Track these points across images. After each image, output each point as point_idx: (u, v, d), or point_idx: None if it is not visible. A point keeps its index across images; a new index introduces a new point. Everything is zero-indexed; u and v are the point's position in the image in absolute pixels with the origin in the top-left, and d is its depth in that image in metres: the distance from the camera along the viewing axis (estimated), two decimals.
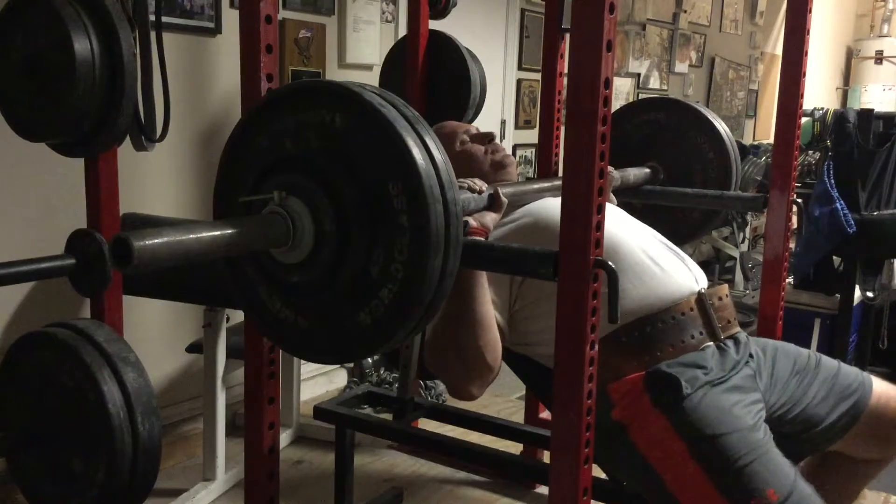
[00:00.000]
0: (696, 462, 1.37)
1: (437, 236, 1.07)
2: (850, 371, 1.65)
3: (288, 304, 1.24)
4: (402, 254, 1.09)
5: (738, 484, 1.35)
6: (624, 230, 1.60)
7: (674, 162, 2.28)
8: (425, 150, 1.08)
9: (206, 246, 1.05)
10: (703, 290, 1.54)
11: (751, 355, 1.56)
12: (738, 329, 1.58)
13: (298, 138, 1.17)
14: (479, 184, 1.53)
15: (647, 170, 2.25)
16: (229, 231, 1.07)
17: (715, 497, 1.36)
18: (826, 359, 1.66)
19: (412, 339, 2.06)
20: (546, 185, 1.72)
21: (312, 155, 1.15)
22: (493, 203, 1.52)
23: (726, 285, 1.64)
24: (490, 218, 1.51)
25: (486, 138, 1.81)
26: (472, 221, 1.47)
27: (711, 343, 1.51)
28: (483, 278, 1.49)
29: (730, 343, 1.53)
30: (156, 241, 0.97)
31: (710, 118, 2.29)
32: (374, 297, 1.12)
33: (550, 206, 1.58)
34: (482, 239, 1.46)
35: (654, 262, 1.54)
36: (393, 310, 1.11)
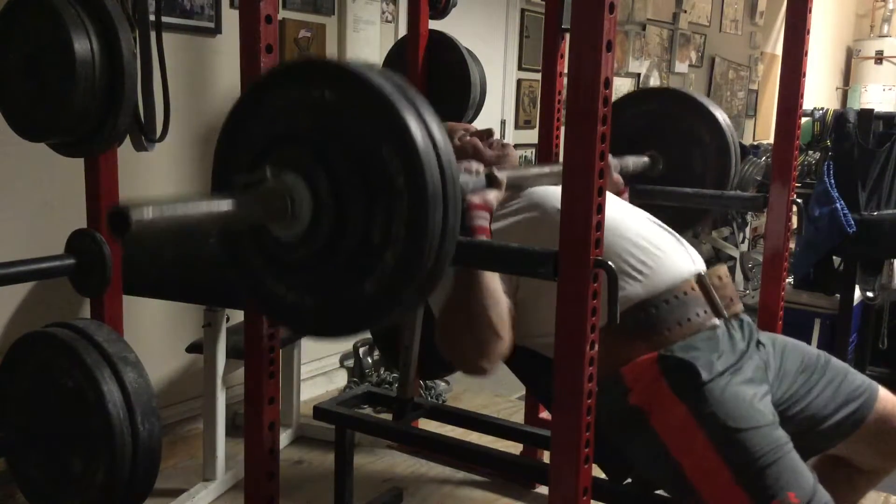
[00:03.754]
0: (718, 454, 1.37)
1: (435, 192, 1.07)
2: (858, 376, 1.65)
3: (292, 285, 1.23)
4: (402, 215, 1.09)
5: (761, 482, 1.35)
6: (622, 214, 1.60)
7: (673, 150, 2.27)
8: (415, 111, 1.08)
9: (203, 216, 1.06)
10: (702, 271, 1.56)
11: (760, 343, 1.56)
12: (741, 307, 1.58)
13: (290, 117, 1.17)
14: (475, 165, 1.53)
15: (646, 158, 2.24)
16: (226, 201, 1.08)
17: (737, 490, 1.36)
18: (836, 360, 1.66)
19: (412, 339, 2.06)
20: (546, 169, 1.72)
21: (305, 131, 1.15)
22: (491, 182, 1.53)
23: (724, 266, 1.65)
24: (493, 195, 1.51)
25: (485, 134, 1.82)
26: (474, 199, 1.47)
27: (718, 321, 1.51)
28: None
29: (735, 324, 1.54)
30: (153, 209, 0.98)
31: (707, 105, 2.27)
32: (379, 261, 1.12)
33: (555, 198, 1.58)
34: (486, 215, 1.47)
35: (654, 245, 1.56)
36: (398, 272, 1.11)
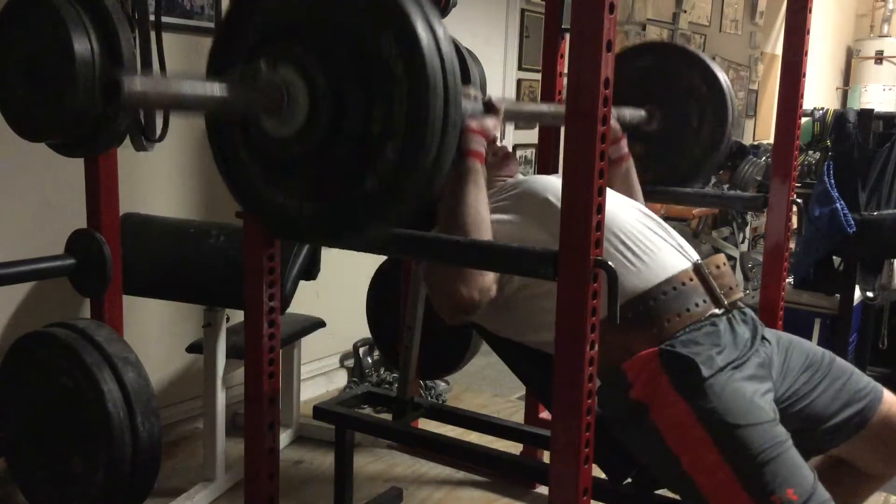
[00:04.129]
0: (717, 449, 1.37)
1: (435, 78, 1.06)
2: (863, 377, 1.64)
3: (290, 192, 1.22)
4: (402, 104, 1.07)
5: (760, 479, 1.35)
6: (615, 207, 1.61)
7: (671, 104, 2.23)
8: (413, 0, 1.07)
9: (196, 98, 1.05)
10: (698, 261, 1.56)
11: (765, 339, 1.56)
12: (741, 295, 1.58)
13: (283, 13, 1.17)
14: (473, 91, 1.53)
15: (643, 112, 2.21)
16: (221, 86, 1.08)
17: (736, 487, 1.35)
18: (841, 360, 1.65)
19: (412, 339, 2.06)
20: (544, 107, 1.71)
21: (299, 24, 1.14)
22: (489, 109, 1.52)
23: (722, 254, 1.65)
24: (491, 122, 1.51)
25: None
26: (471, 123, 1.47)
27: (719, 312, 1.51)
28: (479, 179, 1.48)
29: (738, 317, 1.54)
30: (145, 81, 0.98)
31: (706, 61, 2.25)
32: (379, 156, 1.10)
33: (547, 188, 1.59)
34: (483, 140, 1.47)
35: (648, 238, 1.56)
36: (400, 165, 1.09)
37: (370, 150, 1.10)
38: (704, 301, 1.51)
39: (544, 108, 1.70)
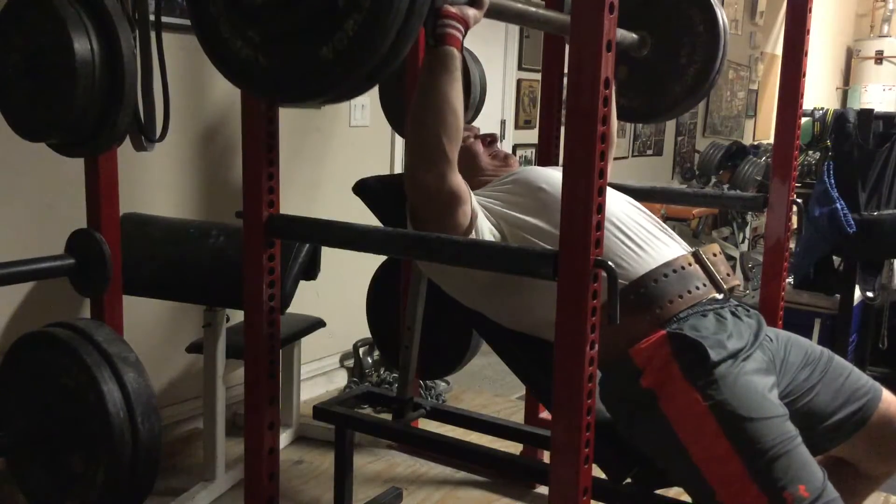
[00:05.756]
0: (729, 441, 1.36)
1: None
2: (862, 376, 1.64)
3: (249, 40, 1.23)
4: None
5: (772, 473, 1.34)
6: (614, 203, 1.62)
7: (665, 36, 2.19)
8: None
9: None
10: (696, 249, 1.59)
11: (767, 336, 1.56)
12: (738, 282, 1.61)
13: None
14: None
15: (636, 36, 2.16)
16: None
17: (746, 480, 1.35)
18: (839, 359, 1.66)
19: (412, 339, 2.06)
20: (532, 10, 1.68)
21: None
22: (474, 1, 1.46)
23: (716, 244, 1.67)
24: (472, 12, 1.45)
25: (488, 139, 1.83)
26: (450, 7, 1.41)
27: (719, 296, 1.53)
28: (452, 67, 1.44)
29: (742, 311, 1.55)
30: None
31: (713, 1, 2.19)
32: (339, 29, 1.12)
33: (541, 178, 1.60)
34: (461, 27, 1.42)
35: (645, 228, 1.58)
36: (357, 42, 1.11)
37: (332, 20, 1.12)
38: (704, 285, 1.53)
39: (532, 9, 1.66)
